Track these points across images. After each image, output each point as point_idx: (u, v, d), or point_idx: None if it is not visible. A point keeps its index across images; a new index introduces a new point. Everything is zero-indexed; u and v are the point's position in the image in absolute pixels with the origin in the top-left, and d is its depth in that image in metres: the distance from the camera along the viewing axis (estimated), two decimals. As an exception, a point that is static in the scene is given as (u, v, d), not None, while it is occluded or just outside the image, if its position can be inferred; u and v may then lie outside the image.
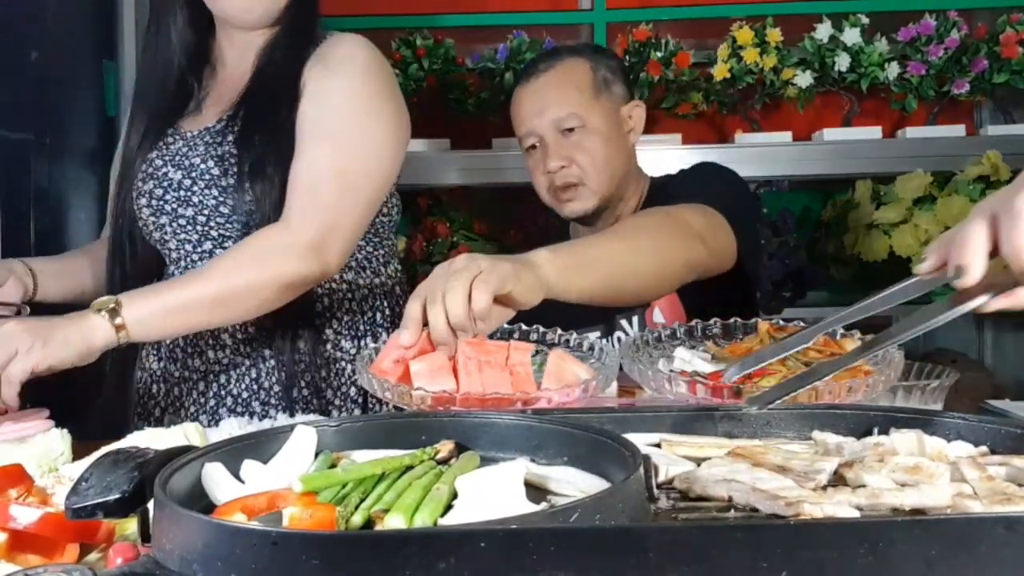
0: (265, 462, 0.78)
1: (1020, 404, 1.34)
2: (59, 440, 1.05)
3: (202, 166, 1.46)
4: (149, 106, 1.53)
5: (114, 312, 1.23)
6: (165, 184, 1.48)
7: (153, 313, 1.27)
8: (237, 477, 0.76)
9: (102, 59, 2.49)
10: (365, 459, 0.79)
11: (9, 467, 0.87)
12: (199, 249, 1.49)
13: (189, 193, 1.46)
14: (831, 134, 2.48)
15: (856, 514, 0.64)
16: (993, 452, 0.79)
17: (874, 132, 2.49)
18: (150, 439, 1.03)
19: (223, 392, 1.50)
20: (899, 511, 0.65)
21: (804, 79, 2.46)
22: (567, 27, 2.72)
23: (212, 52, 1.56)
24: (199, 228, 1.47)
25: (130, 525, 0.77)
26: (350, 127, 1.43)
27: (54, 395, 2.20)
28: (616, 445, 0.73)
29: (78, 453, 1.04)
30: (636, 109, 1.82)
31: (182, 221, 1.48)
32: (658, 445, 0.85)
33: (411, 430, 0.84)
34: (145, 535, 0.67)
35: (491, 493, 0.67)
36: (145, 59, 1.57)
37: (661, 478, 0.75)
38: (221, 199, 1.45)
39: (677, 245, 1.39)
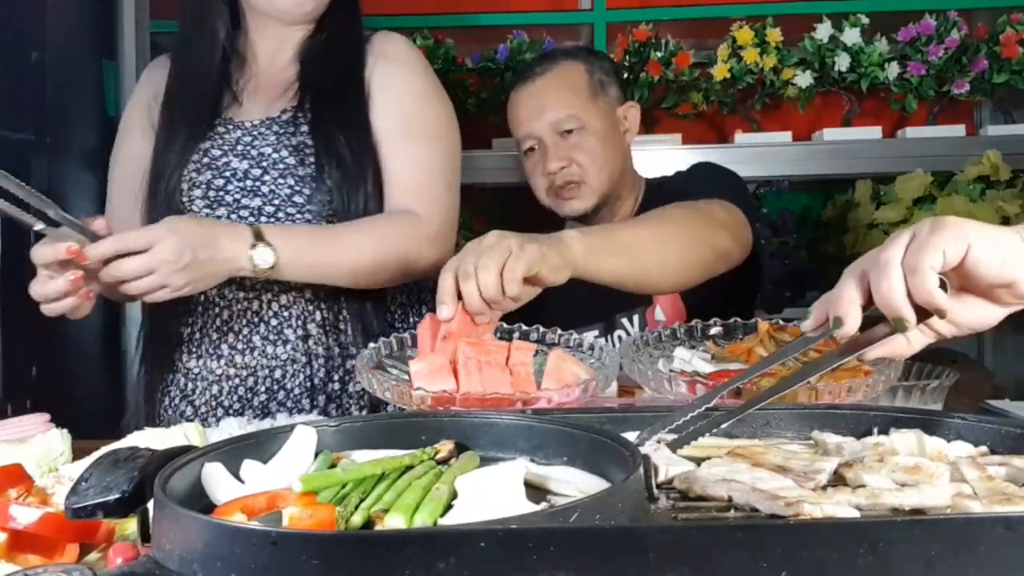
0: (265, 462, 0.78)
1: (1020, 404, 1.33)
2: (59, 440, 1.05)
3: (274, 155, 1.46)
4: (193, 100, 1.52)
5: (266, 261, 1.30)
6: (227, 174, 1.47)
7: (296, 270, 1.35)
8: (237, 477, 0.76)
9: (102, 59, 2.49)
10: (365, 459, 0.79)
11: (9, 467, 0.87)
12: None
13: (258, 183, 1.46)
14: (831, 134, 2.48)
15: (856, 514, 0.64)
16: (993, 452, 0.79)
17: (874, 132, 2.49)
18: (150, 439, 1.03)
19: (276, 387, 1.49)
20: (899, 511, 0.65)
21: (804, 79, 2.45)
22: (567, 27, 2.72)
23: (243, 46, 1.56)
24: (263, 219, 1.46)
25: (130, 525, 0.77)
26: (436, 125, 1.54)
27: (54, 395, 2.20)
28: (616, 445, 0.73)
29: (78, 453, 1.04)
30: (631, 110, 1.85)
31: (244, 212, 1.46)
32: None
33: (411, 430, 0.84)
34: (145, 535, 0.67)
35: (491, 493, 0.67)
36: (185, 56, 1.56)
37: (661, 478, 0.75)
38: (296, 188, 1.45)
39: (705, 233, 1.41)
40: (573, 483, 0.74)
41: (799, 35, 2.49)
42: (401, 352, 1.17)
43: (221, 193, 1.46)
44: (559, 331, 1.19)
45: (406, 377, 1.08)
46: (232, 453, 0.77)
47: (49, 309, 1.23)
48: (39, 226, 1.20)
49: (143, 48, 2.53)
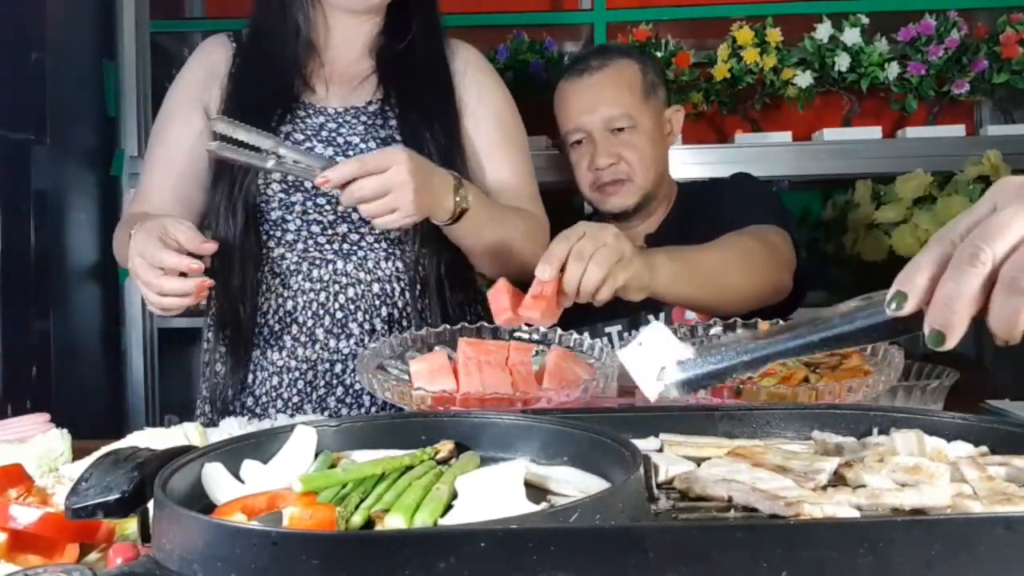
0: (265, 462, 0.78)
1: (1020, 404, 1.33)
2: (59, 440, 1.05)
3: (361, 145, 1.46)
4: (269, 83, 1.50)
5: (467, 203, 1.35)
6: None
7: (471, 226, 1.38)
8: (237, 477, 0.76)
9: (102, 59, 2.49)
10: (365, 459, 0.79)
11: (9, 467, 0.87)
12: (328, 232, 1.46)
13: None
14: (831, 134, 2.48)
15: (856, 514, 0.64)
16: (993, 452, 0.79)
17: (874, 132, 2.49)
18: (149, 439, 1.03)
19: (335, 382, 1.47)
20: (899, 511, 0.65)
21: (804, 79, 2.45)
22: (567, 27, 2.72)
23: (312, 34, 1.55)
24: (340, 209, 1.45)
25: (130, 525, 0.77)
26: (523, 135, 1.62)
27: (54, 395, 2.20)
28: (616, 445, 0.73)
29: (78, 453, 1.04)
30: (676, 114, 1.88)
31: (321, 200, 1.45)
32: (660, 449, 0.85)
33: (411, 430, 0.84)
34: (145, 535, 0.67)
35: (491, 493, 0.67)
36: (261, 40, 1.55)
37: (661, 478, 0.75)
38: None
39: (770, 270, 1.49)
40: (573, 483, 0.74)
41: (799, 35, 2.49)
42: (401, 352, 1.17)
43: (300, 179, 1.44)
44: (559, 331, 1.19)
45: (406, 377, 1.08)
46: (232, 453, 0.77)
47: (160, 303, 1.23)
48: (271, 163, 1.22)
49: (143, 48, 2.53)
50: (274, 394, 1.48)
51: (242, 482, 0.75)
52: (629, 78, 1.80)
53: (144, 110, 2.54)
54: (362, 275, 1.47)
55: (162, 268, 1.21)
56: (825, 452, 0.80)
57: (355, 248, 1.47)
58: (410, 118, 1.48)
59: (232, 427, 1.13)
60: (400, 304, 1.49)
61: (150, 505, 0.66)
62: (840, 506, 0.64)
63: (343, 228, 1.46)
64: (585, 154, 1.80)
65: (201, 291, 1.21)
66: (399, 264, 1.49)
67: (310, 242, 1.47)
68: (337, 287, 1.47)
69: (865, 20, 2.45)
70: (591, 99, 1.79)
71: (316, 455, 0.80)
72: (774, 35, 2.45)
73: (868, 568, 0.54)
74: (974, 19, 2.54)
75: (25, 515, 0.75)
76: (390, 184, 1.22)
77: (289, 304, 1.48)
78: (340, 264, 1.47)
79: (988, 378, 2.43)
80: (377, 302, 1.48)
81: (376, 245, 1.48)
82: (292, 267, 1.48)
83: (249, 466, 0.77)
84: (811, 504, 0.63)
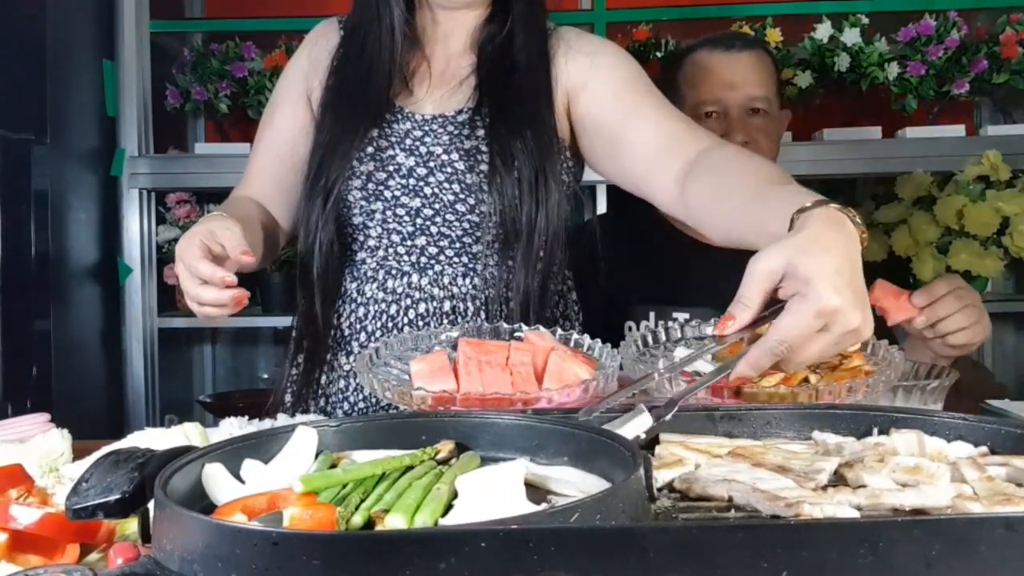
0: (266, 462, 0.78)
1: (1020, 404, 1.34)
2: (59, 440, 1.05)
3: (444, 156, 1.39)
4: (366, 85, 1.43)
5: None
6: (390, 168, 1.40)
7: None
8: (237, 477, 0.76)
9: (102, 59, 2.49)
10: (365, 459, 0.79)
11: (9, 467, 0.87)
12: (408, 243, 1.42)
13: (422, 183, 1.39)
14: (831, 134, 2.48)
15: (856, 514, 0.64)
16: (993, 452, 0.79)
17: (874, 132, 2.49)
18: (150, 439, 1.03)
19: None
20: (899, 511, 0.65)
21: (804, 79, 2.46)
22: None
23: (415, 28, 1.48)
24: (419, 222, 1.40)
25: (130, 525, 0.77)
26: (651, 87, 1.43)
27: (54, 395, 2.20)
28: (616, 445, 0.73)
29: (78, 453, 1.04)
30: (786, 118, 1.86)
31: (400, 211, 1.40)
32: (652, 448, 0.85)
33: (411, 430, 0.84)
34: (145, 535, 0.67)
35: (491, 493, 0.67)
36: (359, 38, 1.46)
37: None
38: (462, 196, 1.39)
39: None
40: (573, 483, 0.74)
41: (799, 35, 2.49)
42: (402, 352, 1.17)
43: (380, 188, 1.40)
44: (559, 331, 1.19)
45: (406, 377, 1.08)
46: (232, 453, 0.77)
47: (199, 311, 1.18)
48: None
49: (143, 48, 2.54)
50: (341, 396, 1.46)
51: (242, 482, 0.75)
52: (769, 66, 1.78)
53: (144, 110, 2.55)
54: (436, 291, 1.42)
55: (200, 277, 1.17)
56: (825, 452, 0.80)
57: (432, 262, 1.42)
58: (499, 129, 1.38)
59: (232, 427, 1.13)
60: (471, 325, 1.42)
61: (150, 505, 0.66)
62: (840, 506, 0.64)
63: (421, 240, 1.41)
64: (715, 129, 1.70)
65: (238, 304, 1.16)
66: (476, 281, 1.42)
67: (390, 251, 1.43)
68: (409, 301, 1.42)
69: (865, 20, 2.46)
70: (736, 75, 1.73)
71: (316, 455, 0.80)
72: (774, 35, 2.46)
73: (868, 568, 0.54)
74: (974, 19, 2.55)
75: (25, 515, 0.75)
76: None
77: (361, 311, 1.45)
78: (415, 277, 1.42)
79: (988, 378, 2.43)
80: (446, 321, 1.41)
81: (455, 260, 1.42)
82: (370, 273, 1.45)
83: (249, 466, 0.77)
84: (811, 504, 0.63)
